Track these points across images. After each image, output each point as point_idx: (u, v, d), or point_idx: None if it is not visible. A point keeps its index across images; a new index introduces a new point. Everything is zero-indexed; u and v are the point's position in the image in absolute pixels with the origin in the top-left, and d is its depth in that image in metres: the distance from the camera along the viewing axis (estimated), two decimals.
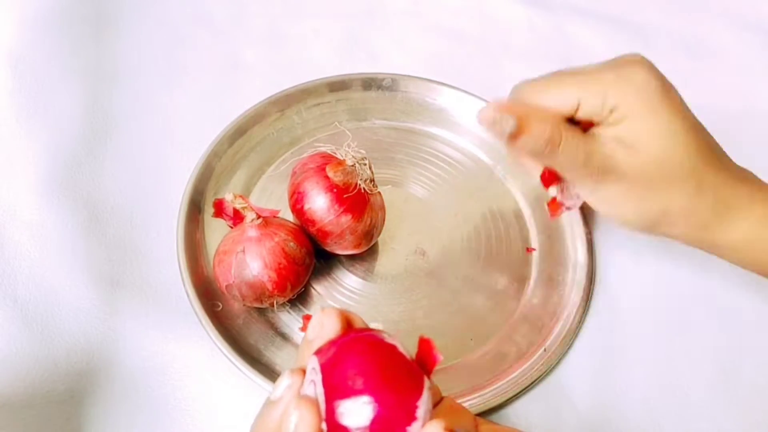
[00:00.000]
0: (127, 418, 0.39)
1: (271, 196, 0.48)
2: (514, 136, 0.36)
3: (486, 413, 0.41)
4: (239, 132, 0.49)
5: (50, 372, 0.39)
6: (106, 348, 0.40)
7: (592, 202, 0.39)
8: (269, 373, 0.40)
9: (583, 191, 0.39)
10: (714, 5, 0.65)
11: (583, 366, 0.44)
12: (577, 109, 0.36)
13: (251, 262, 0.39)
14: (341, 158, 0.41)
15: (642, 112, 0.36)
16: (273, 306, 0.41)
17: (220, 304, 0.42)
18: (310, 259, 0.41)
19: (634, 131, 0.36)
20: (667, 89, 0.36)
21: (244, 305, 0.42)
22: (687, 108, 0.37)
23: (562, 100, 0.36)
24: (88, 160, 0.47)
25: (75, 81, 0.50)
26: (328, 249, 0.43)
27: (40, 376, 0.39)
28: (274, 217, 0.41)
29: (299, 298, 0.44)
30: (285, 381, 0.28)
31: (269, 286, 0.39)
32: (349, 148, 0.41)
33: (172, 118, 0.51)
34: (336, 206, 0.40)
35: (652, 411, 0.42)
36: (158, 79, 0.53)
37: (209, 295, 0.42)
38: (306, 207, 0.40)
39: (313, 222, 0.41)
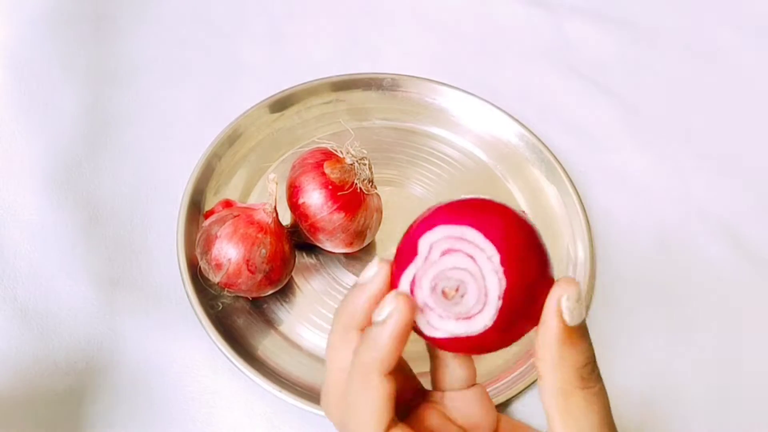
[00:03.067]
0: (127, 417, 0.39)
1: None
2: None
3: None
4: (239, 132, 0.49)
5: (50, 372, 0.39)
6: (106, 348, 0.40)
7: None
8: (269, 372, 0.40)
9: None
10: (715, 5, 0.65)
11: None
12: None
13: (220, 243, 0.39)
14: (341, 156, 0.41)
15: None
16: (217, 296, 0.42)
17: (220, 304, 0.42)
18: (276, 275, 0.40)
19: None
20: None
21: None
22: None
23: None
24: (88, 160, 0.47)
25: (75, 81, 0.50)
26: (319, 245, 0.43)
27: (40, 375, 0.39)
28: (276, 219, 0.41)
29: (298, 300, 0.44)
30: (373, 268, 0.26)
31: (217, 275, 0.39)
32: (350, 146, 0.41)
33: (172, 118, 0.51)
34: (330, 203, 0.40)
35: (653, 411, 0.42)
36: (158, 79, 0.53)
37: (209, 295, 0.42)
38: (300, 201, 0.41)
39: (306, 217, 0.41)
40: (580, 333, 0.26)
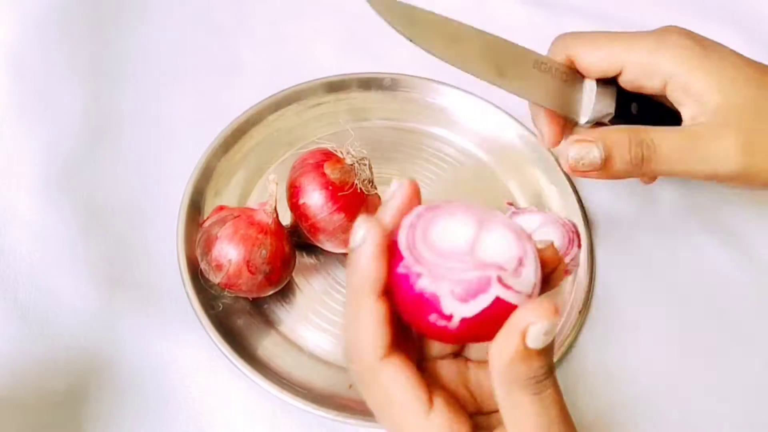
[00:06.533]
0: (127, 418, 0.39)
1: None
2: (604, 166, 0.35)
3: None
4: (239, 132, 0.49)
5: (50, 372, 0.39)
6: (106, 348, 0.40)
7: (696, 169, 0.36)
8: (269, 372, 0.40)
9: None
10: (713, 6, 0.65)
11: (583, 366, 0.43)
12: (620, 74, 0.36)
13: (220, 244, 0.39)
14: (341, 156, 0.41)
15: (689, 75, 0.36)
16: (217, 296, 0.42)
17: (220, 304, 0.42)
18: (276, 275, 0.40)
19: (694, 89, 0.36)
20: (704, 46, 0.36)
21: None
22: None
23: (609, 62, 0.36)
24: (88, 160, 0.47)
25: (75, 81, 0.50)
26: (320, 245, 0.43)
27: (40, 376, 0.39)
28: (276, 220, 0.41)
29: (298, 300, 0.44)
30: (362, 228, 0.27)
31: (218, 276, 0.39)
32: (351, 147, 0.41)
33: (172, 118, 0.51)
34: (330, 204, 0.40)
35: (653, 412, 0.42)
36: (158, 79, 0.52)
37: (209, 295, 0.42)
38: (300, 202, 0.41)
39: (306, 217, 0.41)
40: (539, 352, 0.25)
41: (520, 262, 0.26)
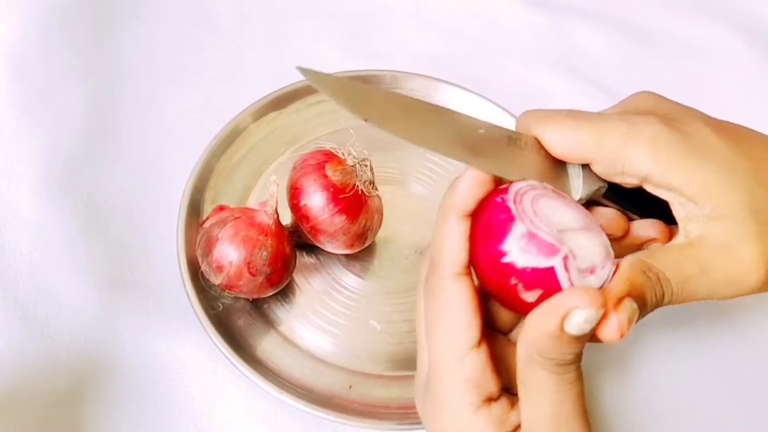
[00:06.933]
0: (127, 418, 0.39)
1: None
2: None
3: None
4: (238, 131, 0.49)
5: (50, 372, 0.39)
6: (106, 348, 0.40)
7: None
8: (269, 373, 0.40)
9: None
10: (713, 6, 0.65)
11: (582, 365, 0.43)
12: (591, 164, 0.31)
13: (221, 245, 0.39)
14: (342, 157, 0.41)
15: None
16: (218, 296, 0.42)
17: (220, 304, 0.42)
18: (277, 277, 0.40)
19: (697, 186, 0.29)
20: (683, 134, 0.30)
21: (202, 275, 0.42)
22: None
23: (578, 153, 0.30)
24: (88, 160, 0.47)
25: (75, 81, 0.50)
26: (320, 246, 0.43)
27: (40, 376, 0.39)
28: (277, 221, 0.41)
29: (298, 300, 0.44)
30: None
31: (218, 277, 0.40)
32: (351, 147, 0.41)
33: (172, 118, 0.51)
34: (331, 206, 0.40)
35: (652, 411, 0.43)
36: (158, 79, 0.52)
37: (209, 296, 0.42)
38: (302, 203, 0.41)
39: (307, 219, 0.41)
40: (573, 338, 0.25)
41: (593, 270, 0.26)
